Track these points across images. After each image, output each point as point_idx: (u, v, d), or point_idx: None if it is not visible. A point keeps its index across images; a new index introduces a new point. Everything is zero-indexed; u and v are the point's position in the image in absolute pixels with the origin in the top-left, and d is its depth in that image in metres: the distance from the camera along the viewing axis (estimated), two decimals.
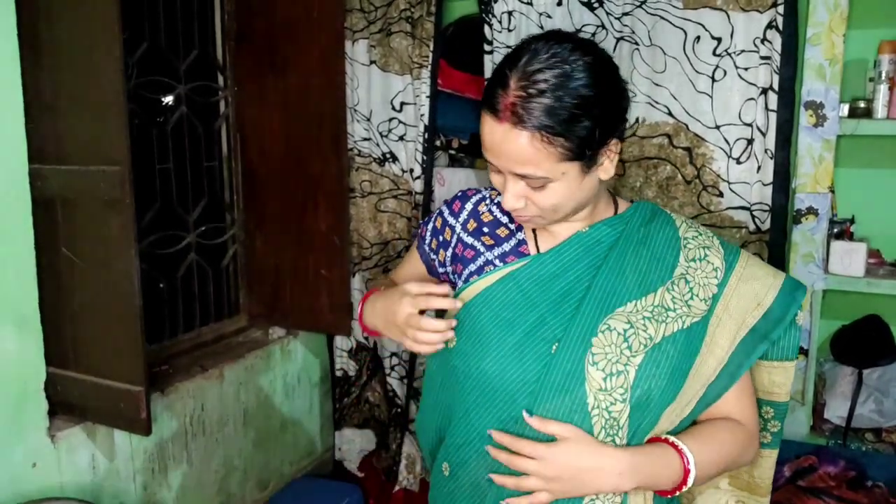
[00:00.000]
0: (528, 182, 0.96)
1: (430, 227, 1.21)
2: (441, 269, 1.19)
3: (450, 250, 1.16)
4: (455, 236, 1.15)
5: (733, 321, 1.06)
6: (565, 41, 0.94)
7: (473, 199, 1.17)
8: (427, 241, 1.21)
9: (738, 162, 2.02)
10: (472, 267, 1.11)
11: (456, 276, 1.14)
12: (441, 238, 1.17)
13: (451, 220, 1.17)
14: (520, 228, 1.11)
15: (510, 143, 0.92)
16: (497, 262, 1.09)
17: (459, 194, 1.19)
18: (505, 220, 1.13)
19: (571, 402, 0.98)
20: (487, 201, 1.16)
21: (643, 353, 1.00)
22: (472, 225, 1.14)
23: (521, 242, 1.10)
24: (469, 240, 1.13)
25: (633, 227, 1.08)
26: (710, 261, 1.08)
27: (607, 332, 1.00)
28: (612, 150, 0.98)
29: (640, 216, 1.10)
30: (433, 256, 1.20)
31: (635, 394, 0.99)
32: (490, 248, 1.11)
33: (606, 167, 0.99)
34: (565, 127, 0.91)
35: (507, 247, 1.10)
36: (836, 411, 2.06)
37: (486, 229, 1.13)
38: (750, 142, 2.00)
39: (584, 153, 0.94)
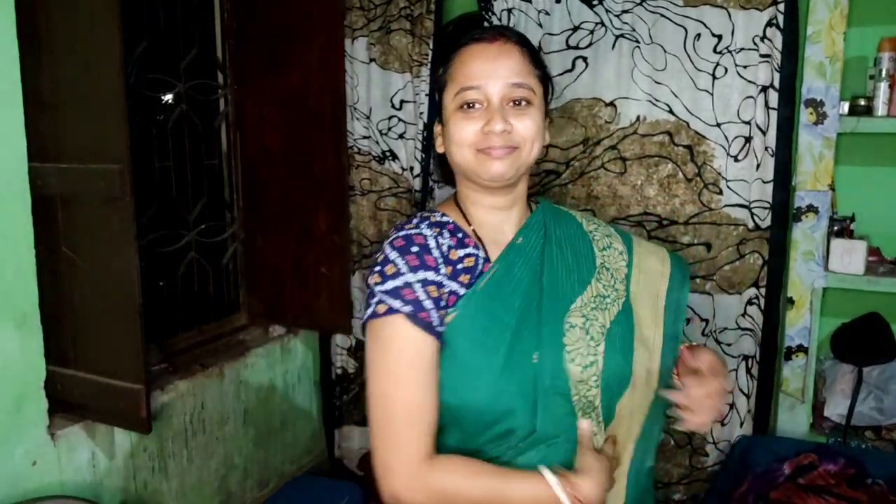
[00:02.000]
0: (519, 101, 1.04)
1: (428, 305, 1.02)
2: (440, 329, 1.05)
3: (444, 305, 1.05)
4: (445, 290, 1.05)
5: (648, 294, 1.18)
6: None
7: (433, 245, 1.06)
8: (435, 321, 1.02)
9: (737, 160, 2.02)
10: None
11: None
12: (441, 303, 1.04)
13: (437, 277, 1.04)
14: (477, 247, 1.09)
15: (504, 57, 1.04)
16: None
17: (414, 249, 1.04)
18: (462, 251, 1.08)
19: (559, 399, 1.06)
20: (440, 238, 1.08)
21: (602, 340, 1.10)
22: (448, 270, 1.06)
23: (485, 261, 1.09)
24: (452, 286, 1.06)
25: (551, 229, 1.15)
26: (615, 247, 1.19)
27: (572, 330, 1.08)
28: (550, 118, 1.13)
29: (550, 216, 1.17)
30: (440, 330, 1.04)
31: (605, 377, 1.08)
32: (468, 286, 1.07)
33: (548, 130, 1.12)
34: (535, 56, 1.08)
35: (476, 273, 1.08)
36: (835, 409, 2.06)
37: (459, 266, 1.07)
38: (748, 139, 2.00)
39: (546, 88, 1.09)
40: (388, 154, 2.49)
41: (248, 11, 2.39)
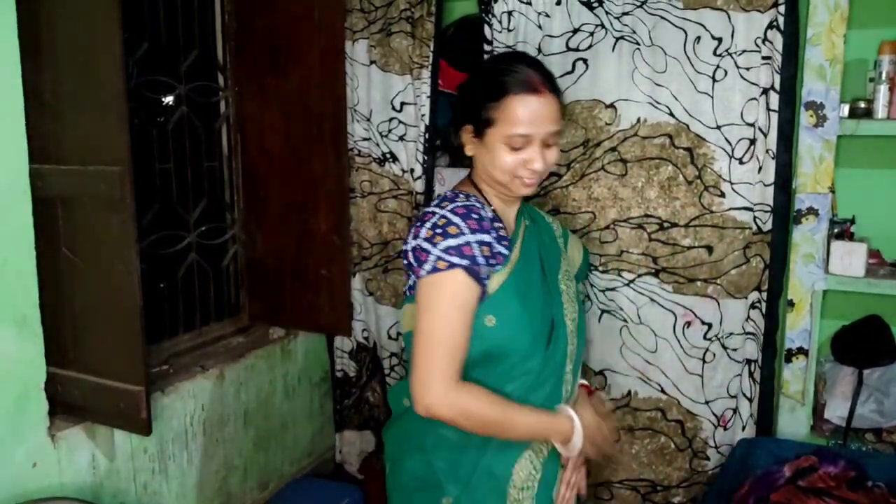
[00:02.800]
0: (550, 141, 1.29)
1: (482, 261, 1.25)
2: (487, 282, 1.29)
3: (492, 262, 1.29)
4: (495, 250, 1.28)
5: (571, 269, 1.53)
6: None
7: (485, 215, 1.29)
8: (485, 274, 1.26)
9: (741, 162, 2.02)
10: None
11: None
12: (491, 261, 1.27)
13: (490, 238, 1.27)
14: (499, 220, 1.35)
15: (549, 107, 1.27)
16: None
17: (474, 216, 1.27)
18: (497, 224, 1.33)
19: (561, 346, 1.38)
20: (484, 211, 1.31)
21: (576, 301, 1.46)
22: (495, 235, 1.29)
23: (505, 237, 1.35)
24: (498, 248, 1.30)
25: (534, 216, 1.51)
26: (557, 232, 1.57)
27: (563, 292, 1.42)
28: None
29: (527, 207, 1.50)
30: (486, 282, 1.28)
31: (579, 331, 1.45)
32: (507, 246, 1.32)
33: None
34: (561, 98, 1.32)
35: (505, 240, 1.33)
36: (836, 411, 2.06)
37: (500, 234, 1.31)
38: (752, 142, 2.00)
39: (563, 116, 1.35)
40: (388, 156, 2.50)
41: (249, 13, 2.39)
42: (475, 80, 1.35)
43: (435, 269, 1.23)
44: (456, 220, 1.25)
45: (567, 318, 1.40)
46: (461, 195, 1.32)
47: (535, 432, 1.32)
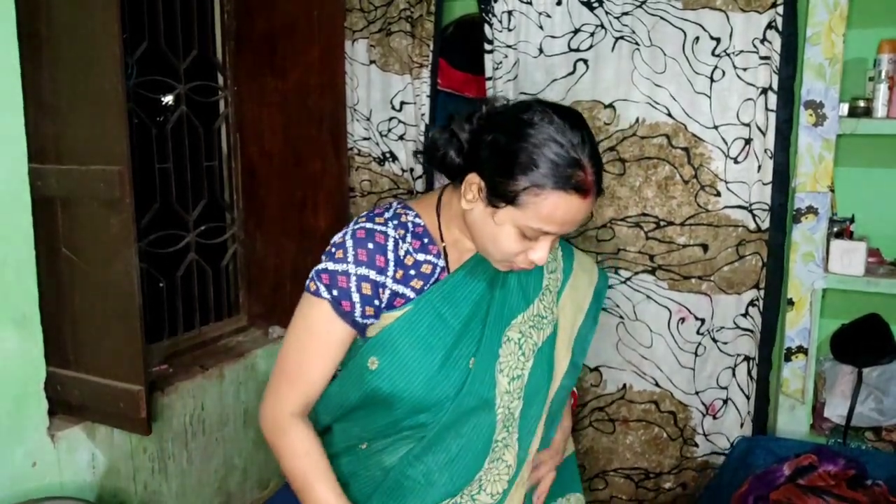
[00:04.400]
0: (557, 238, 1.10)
1: (356, 298, 1.10)
2: (364, 321, 1.14)
3: (383, 305, 1.13)
4: (387, 291, 1.12)
5: (571, 310, 1.31)
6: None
7: (390, 247, 1.11)
8: (358, 314, 1.11)
9: (737, 161, 2.03)
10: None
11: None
12: (375, 302, 1.11)
13: (380, 278, 1.10)
14: (438, 256, 1.17)
15: (587, 210, 1.04)
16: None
17: (370, 246, 1.10)
18: (422, 256, 1.15)
19: (484, 405, 1.16)
20: (401, 242, 1.13)
21: (532, 357, 1.21)
22: (399, 274, 1.13)
23: (442, 269, 1.17)
24: (399, 288, 1.13)
25: None
26: (559, 264, 1.32)
27: (507, 343, 1.19)
28: None
29: None
30: (364, 321, 1.13)
31: (527, 391, 1.20)
32: (419, 290, 1.15)
33: None
34: None
35: (431, 280, 1.17)
36: (835, 410, 2.06)
37: (412, 272, 1.14)
38: (748, 141, 2.01)
39: None
40: (388, 155, 2.50)
41: (248, 13, 2.39)
42: (523, 145, 1.02)
43: (306, 287, 1.13)
44: (349, 243, 1.10)
45: (500, 374, 1.16)
46: (392, 213, 1.15)
47: None
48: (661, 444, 2.25)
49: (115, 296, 1.65)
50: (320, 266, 1.12)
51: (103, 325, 1.69)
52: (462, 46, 2.43)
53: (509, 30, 2.22)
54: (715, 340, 2.14)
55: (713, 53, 2.00)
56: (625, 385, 2.24)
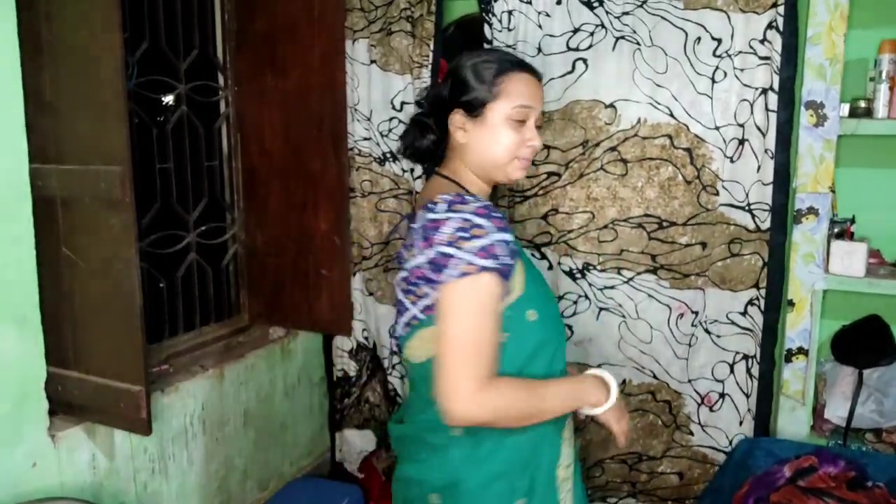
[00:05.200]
0: (538, 123, 1.32)
1: (507, 259, 1.19)
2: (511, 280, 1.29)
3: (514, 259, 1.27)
4: (511, 244, 1.24)
5: None
6: None
7: (497, 214, 1.24)
8: (509, 272, 1.21)
9: (732, 161, 2.04)
10: None
11: None
12: (514, 256, 1.24)
13: (510, 236, 1.21)
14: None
15: (540, 89, 1.33)
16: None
17: (496, 214, 1.21)
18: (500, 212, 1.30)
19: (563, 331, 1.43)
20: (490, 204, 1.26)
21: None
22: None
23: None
24: (514, 244, 1.28)
25: None
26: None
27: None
28: None
29: None
30: (511, 280, 1.24)
31: None
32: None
33: None
34: None
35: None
36: (836, 411, 2.06)
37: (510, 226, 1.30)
38: (742, 141, 2.02)
39: None
40: (388, 156, 2.49)
41: (249, 12, 2.39)
42: (470, 63, 1.31)
43: (463, 274, 1.16)
44: (479, 220, 1.18)
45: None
46: (468, 196, 1.24)
47: (571, 401, 1.29)
48: (655, 431, 2.29)
49: (115, 296, 1.65)
50: (467, 247, 1.16)
51: (104, 325, 1.69)
52: (462, 46, 2.43)
53: (509, 29, 2.22)
54: (708, 332, 2.16)
55: (714, 54, 2.00)
56: (625, 381, 2.26)
